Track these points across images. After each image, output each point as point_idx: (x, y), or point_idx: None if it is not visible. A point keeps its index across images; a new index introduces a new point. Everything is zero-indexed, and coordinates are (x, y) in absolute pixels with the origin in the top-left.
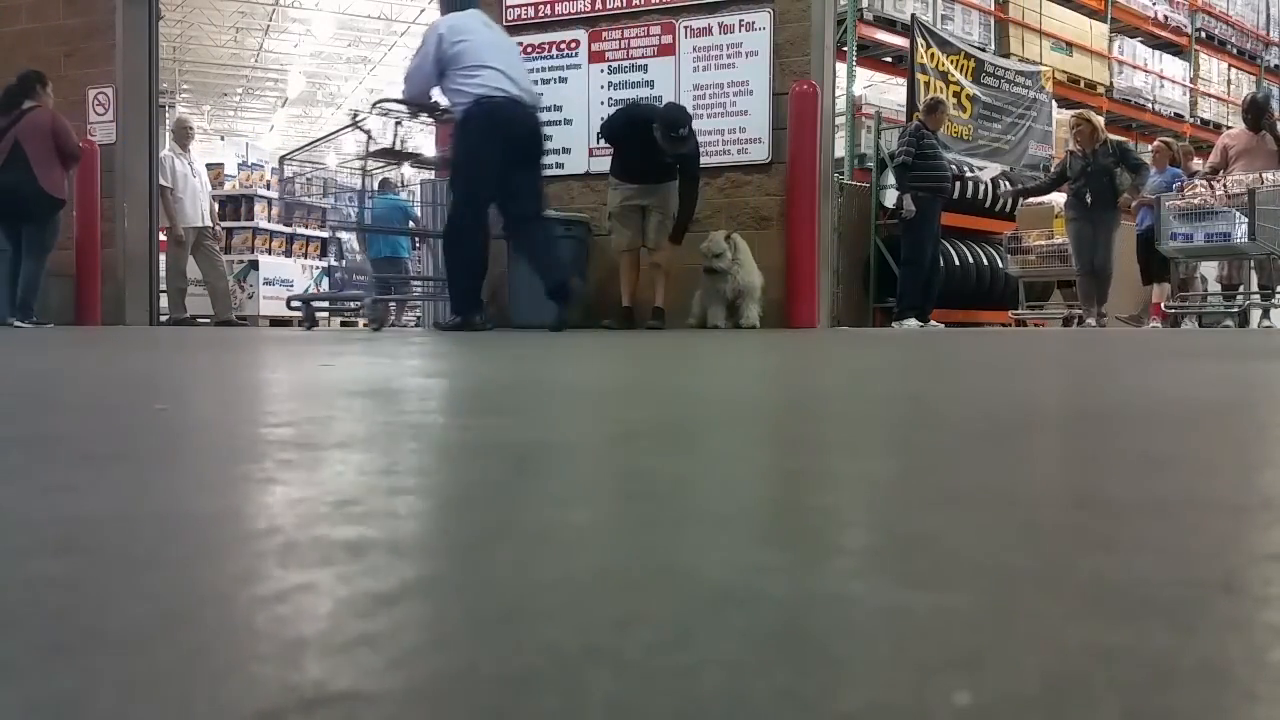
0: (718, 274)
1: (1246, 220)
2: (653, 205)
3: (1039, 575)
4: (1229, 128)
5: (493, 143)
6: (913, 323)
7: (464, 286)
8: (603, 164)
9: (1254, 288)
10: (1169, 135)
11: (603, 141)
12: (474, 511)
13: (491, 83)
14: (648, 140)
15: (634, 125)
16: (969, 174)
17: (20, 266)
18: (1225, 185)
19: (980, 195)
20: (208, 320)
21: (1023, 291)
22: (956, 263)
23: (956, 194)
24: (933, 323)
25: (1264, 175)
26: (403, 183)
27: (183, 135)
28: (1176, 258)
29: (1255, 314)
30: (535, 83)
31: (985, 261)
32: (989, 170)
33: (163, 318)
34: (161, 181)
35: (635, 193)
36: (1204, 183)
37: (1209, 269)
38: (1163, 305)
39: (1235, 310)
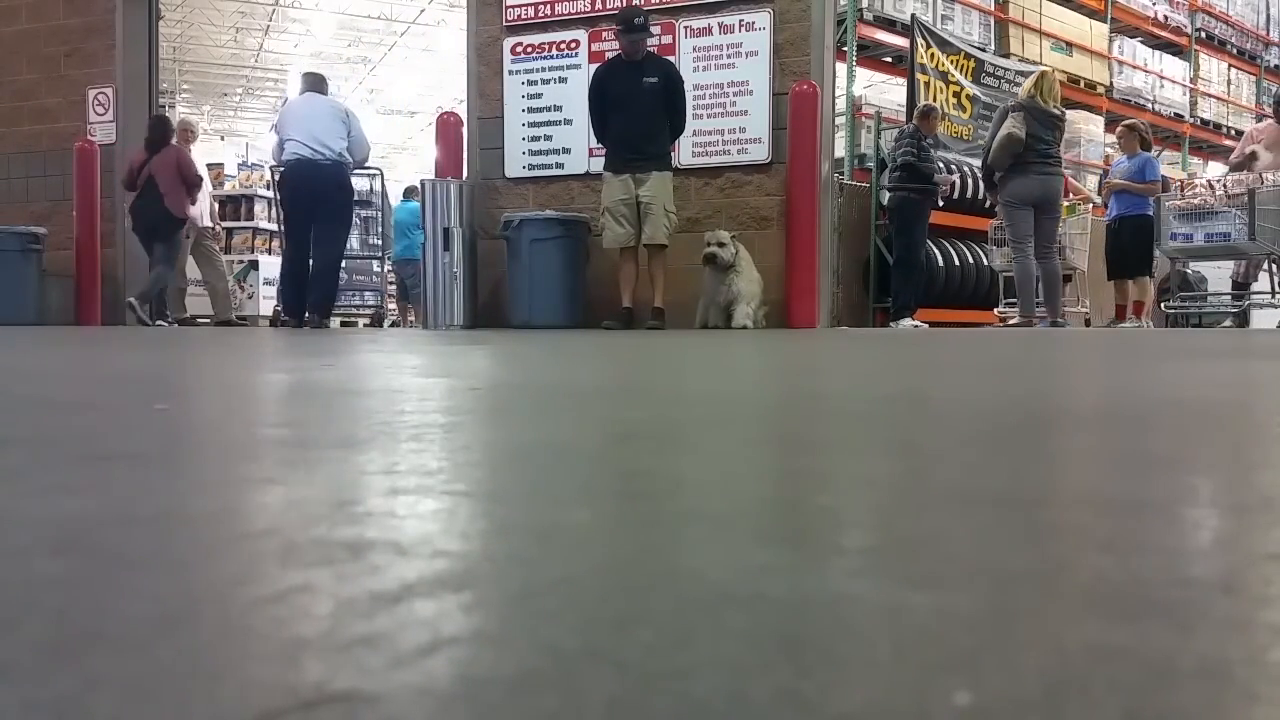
0: (717, 266)
1: (1247, 220)
2: (645, 198)
3: (1039, 575)
4: (1230, 128)
5: (288, 192)
6: (908, 323)
7: (285, 299)
8: (602, 164)
9: (1261, 287)
10: (1169, 136)
11: (596, 140)
12: (475, 512)
13: (291, 150)
14: (628, 93)
15: (606, 80)
16: (965, 172)
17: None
18: (1225, 185)
19: (980, 195)
20: (208, 320)
21: (1003, 287)
22: (956, 263)
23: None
24: (917, 321)
25: (1264, 175)
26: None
27: (183, 136)
28: (1177, 257)
29: (1265, 314)
30: (534, 83)
31: (985, 261)
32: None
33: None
34: None
35: (627, 184)
36: (1204, 182)
37: (1211, 269)
38: (1162, 305)
39: (1235, 310)
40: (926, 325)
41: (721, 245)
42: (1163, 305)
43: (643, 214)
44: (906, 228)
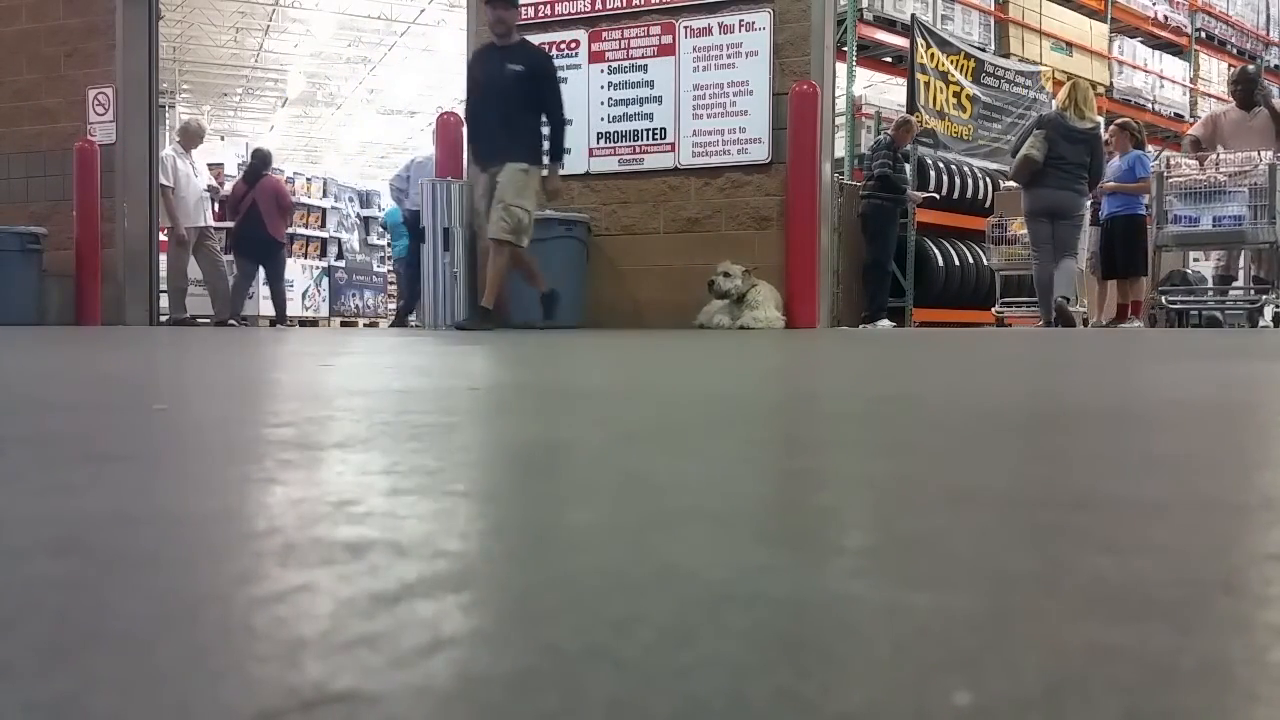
0: (714, 294)
1: (1262, 202)
2: (496, 190)
3: (1039, 575)
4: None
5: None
6: (886, 323)
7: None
8: (603, 164)
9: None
10: (1169, 135)
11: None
12: (475, 512)
13: (410, 203)
14: (490, 81)
15: (474, 65)
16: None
17: (244, 285)
18: (1216, 162)
19: (980, 195)
20: (208, 320)
21: (999, 286)
22: (956, 263)
23: (945, 191)
24: (886, 323)
25: (1262, 153)
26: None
27: (189, 138)
28: (1168, 246)
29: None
30: None
31: (984, 261)
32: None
33: (163, 318)
34: (163, 181)
35: (488, 179)
36: (1192, 161)
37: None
38: (1163, 299)
39: (1251, 306)
40: (880, 324)
41: (727, 275)
42: (1163, 299)
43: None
44: (879, 233)
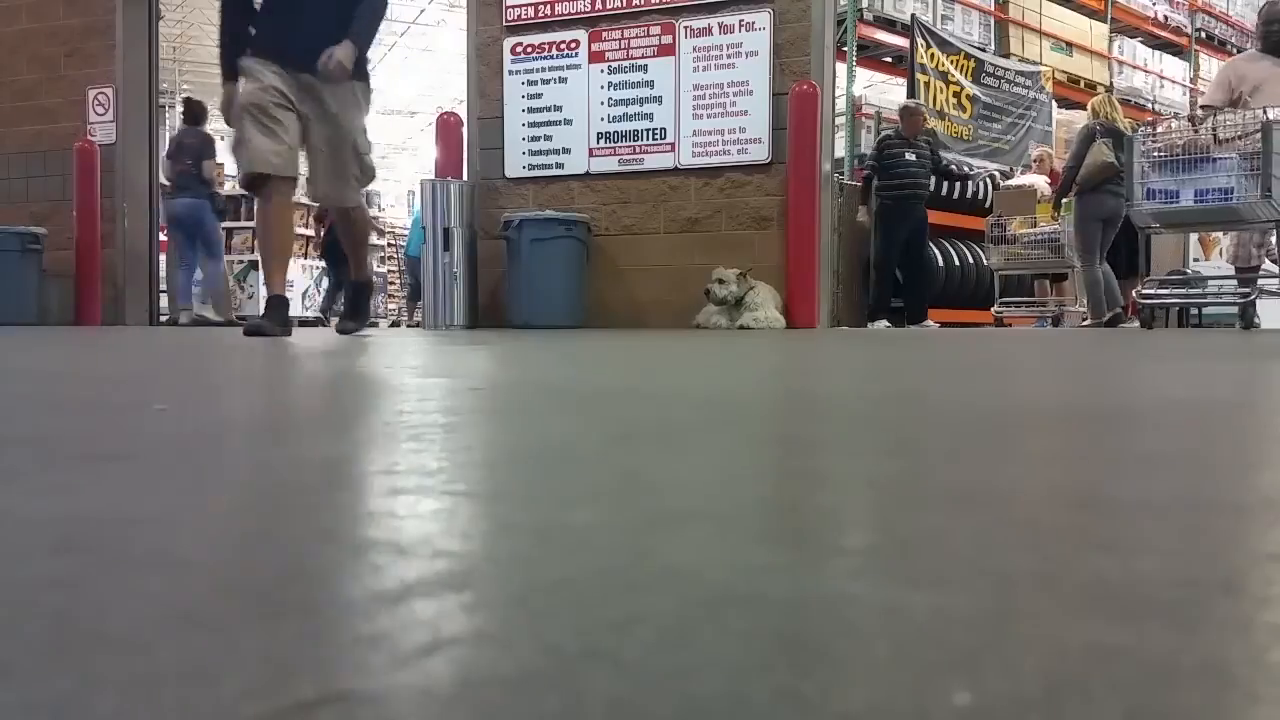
0: (711, 301)
1: (1253, 169)
2: (316, 120)
3: (1039, 575)
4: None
5: None
6: (882, 323)
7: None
8: (603, 164)
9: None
10: None
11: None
12: (475, 512)
13: None
14: None
15: None
16: (968, 172)
17: (334, 291)
18: (1212, 127)
19: (980, 195)
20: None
21: (999, 286)
22: (956, 263)
23: (947, 192)
24: (930, 323)
25: (1268, 110)
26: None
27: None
28: (1150, 228)
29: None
30: (534, 83)
31: (984, 261)
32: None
33: (163, 318)
34: (163, 180)
35: (285, 85)
36: (1181, 122)
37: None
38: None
39: (1242, 300)
40: (923, 324)
41: (721, 282)
42: (1136, 293)
43: (315, 157)
44: (879, 233)
